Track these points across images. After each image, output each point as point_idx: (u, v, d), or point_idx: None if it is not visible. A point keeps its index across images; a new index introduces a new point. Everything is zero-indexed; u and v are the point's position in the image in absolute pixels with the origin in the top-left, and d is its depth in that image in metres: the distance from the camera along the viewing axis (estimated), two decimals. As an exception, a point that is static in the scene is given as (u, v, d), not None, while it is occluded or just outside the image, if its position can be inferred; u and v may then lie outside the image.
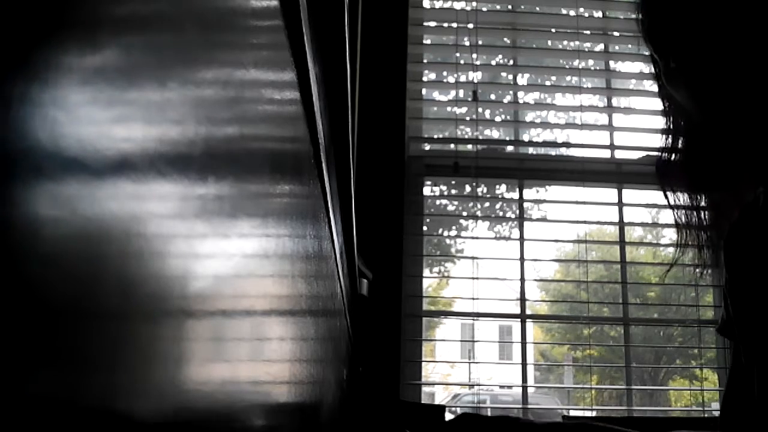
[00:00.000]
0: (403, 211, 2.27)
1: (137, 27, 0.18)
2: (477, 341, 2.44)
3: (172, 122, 0.22)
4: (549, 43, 3.26)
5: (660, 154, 0.71)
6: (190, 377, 0.25)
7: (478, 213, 2.65)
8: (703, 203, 0.69)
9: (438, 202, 3.07)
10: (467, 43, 2.46)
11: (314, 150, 0.64)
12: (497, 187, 4.40)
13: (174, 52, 0.22)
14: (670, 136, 0.70)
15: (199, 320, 0.26)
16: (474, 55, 2.46)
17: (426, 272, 2.43)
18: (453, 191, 2.69)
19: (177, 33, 0.22)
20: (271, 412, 0.45)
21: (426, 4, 2.57)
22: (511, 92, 2.68)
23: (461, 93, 2.53)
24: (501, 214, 6.10)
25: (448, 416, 2.25)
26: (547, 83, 2.88)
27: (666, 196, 0.70)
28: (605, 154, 2.53)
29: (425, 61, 2.53)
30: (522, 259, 2.38)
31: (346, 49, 0.76)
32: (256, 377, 0.39)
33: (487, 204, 6.05)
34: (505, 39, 2.68)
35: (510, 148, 2.62)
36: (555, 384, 10.69)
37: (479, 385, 2.62)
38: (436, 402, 5.77)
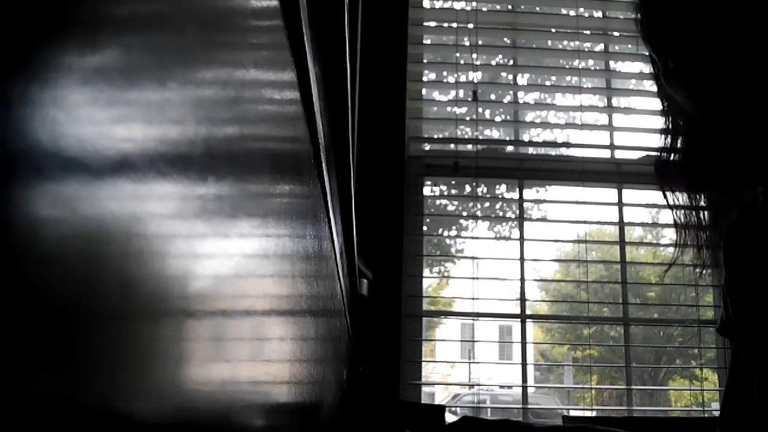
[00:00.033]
0: (403, 211, 2.27)
1: (137, 27, 0.18)
2: (477, 341, 2.44)
3: (172, 122, 0.22)
4: (549, 43, 3.26)
5: (659, 154, 0.71)
6: (190, 377, 0.25)
7: (478, 213, 2.65)
8: (702, 203, 0.69)
9: (438, 202, 3.07)
10: (467, 43, 2.46)
11: (314, 150, 0.64)
12: (497, 187, 4.40)
13: (174, 52, 0.22)
14: (669, 136, 0.70)
15: (199, 320, 0.26)
16: (474, 55, 2.46)
17: (426, 272, 2.43)
18: (453, 191, 2.69)
19: (177, 33, 0.22)
20: (271, 412, 0.45)
21: (426, 4, 2.57)
22: (511, 92, 2.68)
23: (461, 93, 2.53)
24: (501, 214, 6.10)
25: (448, 416, 2.25)
26: (547, 83, 2.88)
27: (665, 196, 0.70)
28: (605, 154, 2.53)
29: (425, 61, 2.53)
30: (522, 259, 2.38)
31: (346, 49, 0.76)
32: (256, 377, 0.39)
33: (487, 204, 6.05)
34: (505, 39, 2.68)
35: (510, 148, 2.62)
36: (555, 384, 10.69)
37: (479, 385, 2.62)
38: (436, 402, 5.77)
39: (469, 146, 2.52)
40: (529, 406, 2.35)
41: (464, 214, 2.85)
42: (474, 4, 2.48)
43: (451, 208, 3.21)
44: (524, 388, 2.32)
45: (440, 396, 7.69)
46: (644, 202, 2.66)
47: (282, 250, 0.47)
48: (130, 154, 0.18)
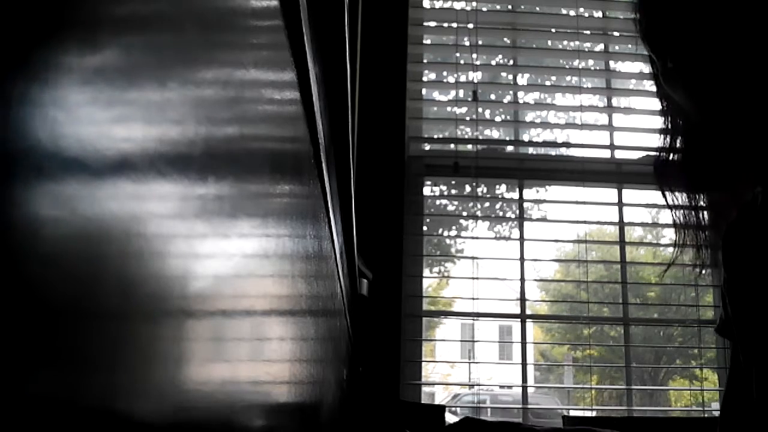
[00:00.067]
0: (403, 211, 2.27)
1: (137, 27, 0.18)
2: (477, 341, 2.44)
3: (172, 122, 0.22)
4: (549, 43, 3.26)
5: (658, 153, 0.71)
6: (190, 377, 0.25)
7: (478, 213, 2.65)
8: (701, 203, 0.69)
9: (438, 202, 3.07)
10: (467, 43, 2.46)
11: (314, 150, 0.64)
12: (497, 187, 4.40)
13: (174, 52, 0.22)
14: (668, 135, 0.70)
15: (199, 320, 0.26)
16: (474, 55, 2.46)
17: (426, 272, 2.43)
18: (453, 191, 2.69)
19: (177, 33, 0.22)
20: (271, 412, 0.45)
21: (426, 4, 2.57)
22: (511, 92, 2.68)
23: (461, 93, 2.53)
24: (501, 214, 6.10)
25: (448, 416, 2.25)
26: (547, 83, 2.88)
27: (664, 196, 0.70)
28: (605, 154, 2.53)
29: (425, 61, 2.53)
30: (522, 259, 2.38)
31: (346, 49, 0.76)
32: (256, 377, 0.39)
33: (487, 204, 6.05)
34: (505, 39, 2.68)
35: (510, 148, 2.62)
36: (555, 384, 10.69)
37: (479, 385, 2.62)
38: (436, 402, 5.77)
39: (469, 146, 2.52)
40: (529, 406, 2.35)
41: (464, 214, 2.85)
42: (474, 4, 2.48)
43: (451, 208, 3.21)
44: (524, 388, 2.32)
45: (440, 396, 7.69)
46: (644, 202, 2.66)
47: (282, 250, 0.47)
48: (130, 154, 0.18)
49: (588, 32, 2.58)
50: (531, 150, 2.71)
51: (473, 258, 2.42)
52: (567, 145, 2.63)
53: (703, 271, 0.70)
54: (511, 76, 2.68)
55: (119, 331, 0.18)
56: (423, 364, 2.27)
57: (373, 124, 2.23)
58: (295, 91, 0.51)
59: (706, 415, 2.30)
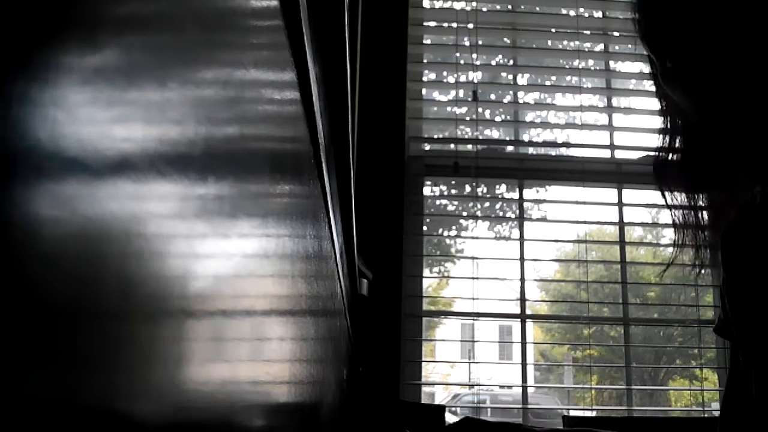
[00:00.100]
0: (403, 211, 2.27)
1: (137, 27, 0.18)
2: (477, 341, 2.44)
3: (172, 122, 0.22)
4: (549, 43, 3.26)
5: (657, 153, 0.71)
6: (190, 377, 0.25)
7: (478, 213, 2.65)
8: (700, 203, 0.69)
9: (438, 202, 3.07)
10: (467, 43, 2.46)
11: (314, 150, 0.64)
12: (497, 187, 4.40)
13: (174, 52, 0.22)
14: (667, 135, 0.70)
15: (199, 320, 0.26)
16: (474, 55, 2.46)
17: (426, 272, 2.43)
18: (453, 191, 2.69)
19: (177, 33, 0.22)
20: (271, 412, 0.45)
21: (426, 4, 2.57)
22: (511, 92, 2.68)
23: (461, 93, 2.53)
24: (501, 214, 6.10)
25: (448, 416, 2.25)
26: (547, 83, 2.88)
27: (663, 196, 0.70)
28: (605, 154, 2.53)
29: (425, 61, 2.53)
30: (522, 259, 2.38)
31: (346, 49, 0.76)
32: (256, 377, 0.39)
33: (487, 204, 6.05)
34: (505, 39, 2.68)
35: (510, 148, 2.62)
36: (555, 384, 10.69)
37: (479, 385, 2.62)
38: (436, 402, 5.77)
39: (469, 146, 2.52)
40: (529, 406, 2.35)
41: (464, 214, 2.85)
42: (474, 4, 2.48)
43: (451, 208, 3.21)
44: (524, 388, 2.32)
45: (440, 396, 7.69)
46: (644, 202, 2.66)
47: (282, 250, 0.47)
48: (130, 154, 0.18)
49: (588, 32, 2.58)
50: (531, 150, 2.71)
51: (473, 258, 2.42)
52: (567, 145, 2.63)
53: (702, 271, 0.70)
54: (511, 76, 2.68)
55: (119, 331, 0.18)
56: (423, 364, 2.27)
57: (373, 124, 2.23)
58: (295, 91, 0.51)
59: (706, 415, 2.30)
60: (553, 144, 4.66)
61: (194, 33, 0.24)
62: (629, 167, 2.45)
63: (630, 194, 2.47)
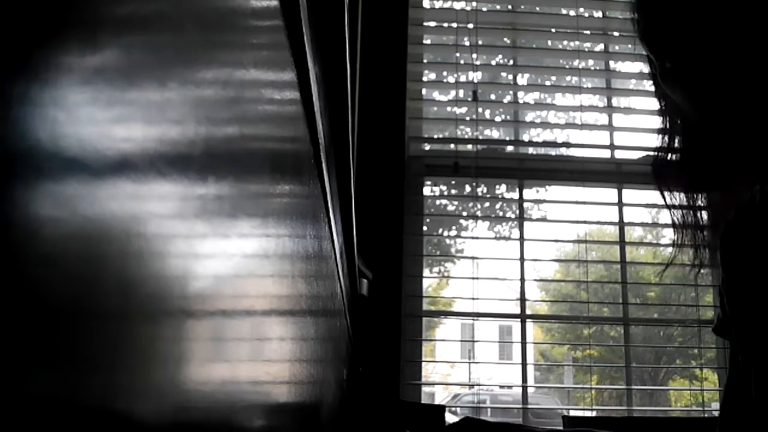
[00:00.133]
0: (403, 211, 2.27)
1: (137, 27, 0.18)
2: (477, 341, 2.44)
3: (172, 122, 0.22)
4: (549, 43, 3.26)
5: (656, 153, 0.71)
6: (190, 377, 0.25)
7: (478, 213, 2.65)
8: (699, 203, 0.69)
9: (438, 202, 3.07)
10: (467, 43, 2.46)
11: (314, 150, 0.64)
12: (497, 187, 4.40)
13: (174, 52, 0.22)
14: (666, 135, 0.70)
15: (199, 320, 0.26)
16: (474, 55, 2.46)
17: (426, 272, 2.43)
18: (453, 191, 2.69)
19: (177, 33, 0.22)
20: (271, 412, 0.45)
21: (426, 4, 2.57)
22: (511, 92, 2.68)
23: (461, 93, 2.53)
24: (501, 214, 6.10)
25: (448, 416, 2.25)
26: (547, 83, 2.88)
27: (663, 196, 0.70)
28: (605, 154, 2.53)
29: (425, 61, 2.53)
30: (522, 259, 2.38)
31: (346, 49, 0.76)
32: (256, 377, 0.39)
33: (487, 204, 6.04)
34: (505, 39, 2.68)
35: (510, 148, 2.62)
36: (555, 384, 10.69)
37: (479, 385, 2.62)
38: (436, 402, 5.77)
39: (469, 146, 2.52)
40: (529, 406, 2.35)
41: (464, 214, 2.85)
42: (474, 4, 2.48)
43: (451, 208, 3.21)
44: (524, 388, 2.32)
45: (440, 396, 7.69)
46: (644, 202, 2.66)
47: (282, 250, 0.47)
48: (130, 154, 0.18)
49: (588, 32, 2.58)
50: (531, 150, 2.71)
51: (473, 258, 2.42)
52: (567, 145, 2.63)
53: (702, 271, 0.70)
54: (511, 76, 2.68)
55: (119, 331, 0.18)
56: (423, 364, 2.27)
57: (373, 124, 2.23)
58: (295, 91, 0.51)
59: (706, 415, 2.30)
60: (553, 144, 4.66)
61: (194, 33, 0.24)
62: (629, 167, 2.45)
63: (630, 194, 2.47)
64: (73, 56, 0.14)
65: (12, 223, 0.12)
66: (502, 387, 7.84)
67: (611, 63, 2.66)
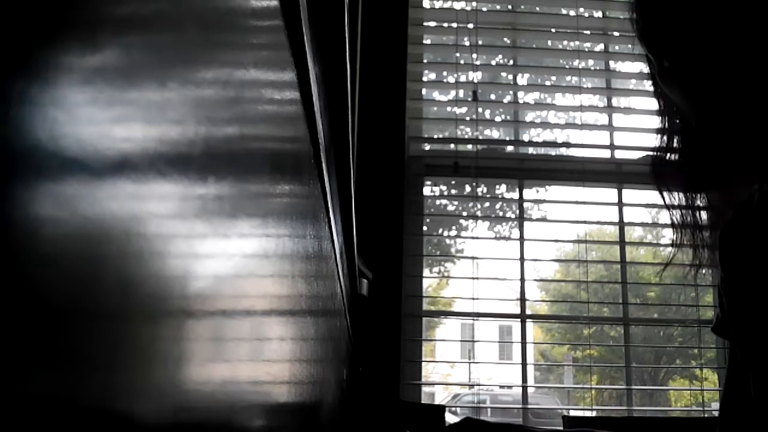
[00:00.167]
0: (403, 211, 2.27)
1: (137, 27, 0.18)
2: (477, 341, 2.44)
3: (172, 122, 0.22)
4: (549, 43, 3.26)
5: (655, 153, 0.71)
6: (190, 377, 0.25)
7: (478, 213, 2.65)
8: (698, 202, 0.69)
9: (438, 202, 3.07)
10: (467, 43, 2.46)
11: (314, 150, 0.64)
12: (497, 187, 4.40)
13: (174, 52, 0.22)
14: (665, 135, 0.70)
15: (199, 320, 0.26)
16: (474, 55, 2.46)
17: (426, 272, 2.43)
18: (453, 191, 2.69)
19: (177, 33, 0.22)
20: (271, 412, 0.45)
21: (426, 4, 2.57)
22: (511, 92, 2.68)
23: (461, 93, 2.53)
24: (501, 214, 6.10)
25: (448, 416, 2.25)
26: (547, 83, 2.88)
27: (662, 196, 0.70)
28: (605, 154, 2.53)
29: (425, 61, 2.53)
30: (522, 259, 2.38)
31: (346, 49, 0.76)
32: (256, 377, 0.39)
33: (487, 204, 6.04)
34: (505, 39, 2.68)
35: (510, 148, 2.62)
36: (555, 384, 10.69)
37: (479, 385, 2.62)
38: (436, 402, 5.77)
39: (469, 146, 2.52)
40: (529, 406, 2.35)
41: (464, 214, 2.85)
42: (474, 4, 2.48)
43: (451, 208, 3.21)
44: (524, 388, 2.32)
45: (440, 396, 7.69)
46: (644, 202, 2.66)
47: (282, 250, 0.47)
48: (130, 154, 0.18)
49: (588, 32, 2.58)
50: (531, 150, 2.71)
51: (473, 258, 2.42)
52: (567, 145, 2.63)
53: (702, 271, 0.70)
54: (511, 76, 2.68)
55: (119, 331, 0.18)
56: (423, 364, 2.27)
57: (373, 124, 2.23)
58: (295, 91, 0.51)
59: (706, 415, 2.30)
60: (553, 144, 4.66)
61: (194, 33, 0.24)
62: (629, 167, 2.45)
63: (630, 194, 2.47)
64: (73, 56, 0.14)
65: (12, 223, 0.12)
66: (502, 387, 7.84)
67: (611, 63, 2.66)
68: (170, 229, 0.22)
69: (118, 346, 0.18)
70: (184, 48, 0.23)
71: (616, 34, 2.57)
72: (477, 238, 2.54)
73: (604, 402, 6.47)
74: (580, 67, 2.61)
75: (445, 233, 4.41)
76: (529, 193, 4.66)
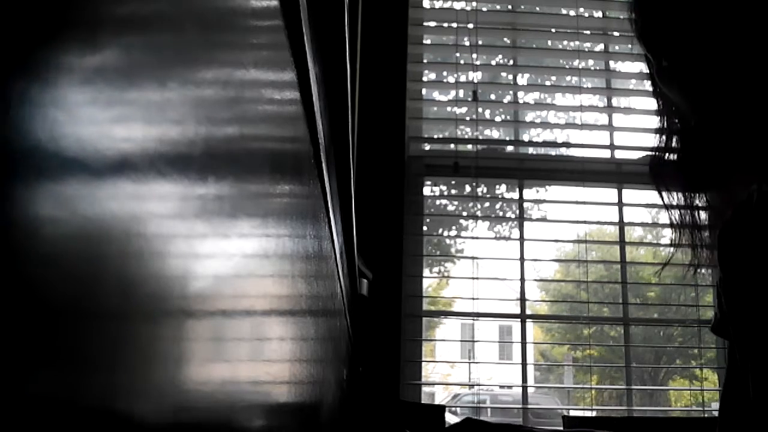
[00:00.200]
0: (403, 211, 2.27)
1: (137, 27, 0.18)
2: (477, 341, 2.44)
3: (172, 122, 0.22)
4: (549, 43, 3.26)
5: (654, 153, 0.71)
6: (190, 377, 0.25)
7: (478, 213, 2.65)
8: (697, 202, 0.69)
9: (438, 202, 3.07)
10: (467, 43, 2.46)
11: (314, 150, 0.64)
12: (497, 187, 4.40)
13: (174, 52, 0.22)
14: (664, 135, 0.70)
15: (199, 320, 0.26)
16: (474, 55, 2.46)
17: (426, 272, 2.43)
18: (453, 191, 2.69)
19: (177, 33, 0.22)
20: (271, 412, 0.45)
21: (426, 4, 2.57)
22: (511, 92, 2.68)
23: (461, 93, 2.53)
24: (501, 214, 6.10)
25: (448, 416, 2.25)
26: (547, 83, 2.88)
27: (661, 196, 0.70)
28: (605, 154, 2.53)
29: (425, 61, 2.53)
30: (522, 259, 2.38)
31: (346, 49, 0.76)
32: (256, 377, 0.39)
33: (487, 204, 6.04)
34: (505, 39, 2.68)
35: (510, 148, 2.62)
36: (555, 384, 10.69)
37: (479, 385, 2.62)
38: (436, 402, 5.77)
39: (469, 146, 2.52)
40: (529, 406, 2.35)
41: (464, 214, 2.85)
42: (474, 4, 2.48)
43: (451, 208, 3.21)
44: (524, 388, 2.32)
45: (440, 396, 7.68)
46: (644, 202, 2.66)
47: (282, 250, 0.47)
48: (130, 154, 0.18)
49: (588, 32, 2.58)
50: (531, 150, 2.71)
51: (473, 258, 2.42)
52: (567, 145, 2.63)
53: (701, 271, 0.70)
54: (511, 76, 2.68)
55: (119, 331, 0.18)
56: (423, 364, 2.27)
57: (373, 124, 2.23)
58: (295, 91, 0.51)
59: (706, 415, 2.30)
60: (553, 144, 4.66)
61: (194, 33, 0.24)
62: (629, 167, 2.45)
63: (630, 194, 2.47)
64: (73, 56, 0.14)
65: (12, 223, 0.12)
66: (502, 387, 7.84)
67: (611, 63, 2.66)
68: (170, 229, 0.22)
69: (118, 346, 0.18)
70: (184, 48, 0.23)
71: (616, 34, 2.57)
72: (477, 238, 2.54)
73: (604, 402, 6.47)
74: (580, 67, 2.61)
75: (445, 233, 4.41)
76: (529, 193, 4.66)
